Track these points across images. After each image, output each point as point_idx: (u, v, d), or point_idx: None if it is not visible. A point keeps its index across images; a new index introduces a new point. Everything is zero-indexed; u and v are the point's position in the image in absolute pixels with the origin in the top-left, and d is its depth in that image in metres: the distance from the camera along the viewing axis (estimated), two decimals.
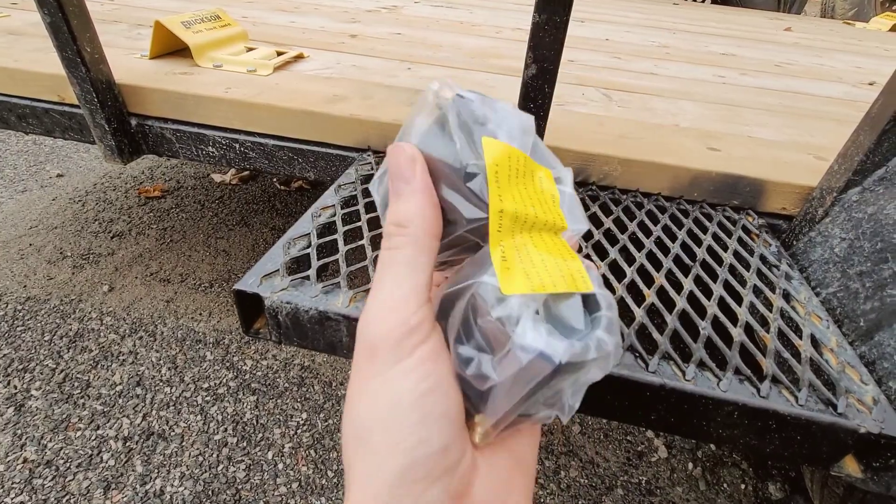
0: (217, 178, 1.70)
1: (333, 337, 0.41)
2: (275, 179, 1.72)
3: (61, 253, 1.28)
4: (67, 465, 0.82)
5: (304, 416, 0.94)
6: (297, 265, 0.44)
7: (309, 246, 0.46)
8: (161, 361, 1.02)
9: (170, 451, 0.85)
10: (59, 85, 0.70)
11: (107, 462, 0.83)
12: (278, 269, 0.42)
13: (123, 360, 1.01)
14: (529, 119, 0.23)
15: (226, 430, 0.90)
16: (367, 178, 0.59)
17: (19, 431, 0.86)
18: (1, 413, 0.89)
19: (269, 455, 0.87)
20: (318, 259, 0.44)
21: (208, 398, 0.96)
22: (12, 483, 0.78)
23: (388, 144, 0.66)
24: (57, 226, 1.39)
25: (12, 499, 0.77)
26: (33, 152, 1.77)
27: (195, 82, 0.71)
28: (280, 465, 0.85)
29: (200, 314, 1.14)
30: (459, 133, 0.21)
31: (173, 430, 0.89)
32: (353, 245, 0.47)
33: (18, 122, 0.74)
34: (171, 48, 0.80)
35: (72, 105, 0.71)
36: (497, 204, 0.20)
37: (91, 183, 1.61)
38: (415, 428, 0.19)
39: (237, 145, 0.69)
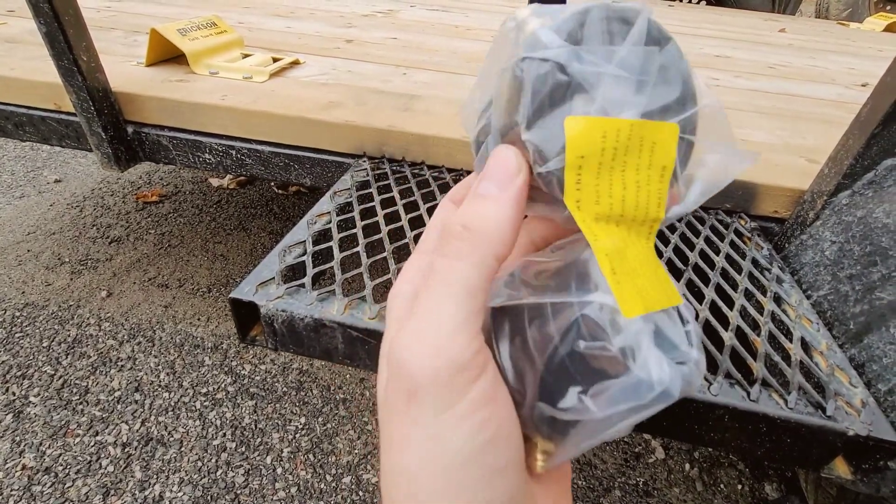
0: (215, 182, 1.71)
1: (329, 344, 0.41)
2: (272, 183, 1.73)
3: (59, 259, 1.28)
4: (66, 471, 0.82)
5: (303, 420, 0.94)
6: (293, 273, 0.44)
7: (304, 253, 0.46)
8: (159, 367, 1.02)
9: (168, 457, 0.86)
10: (56, 93, 0.70)
11: (106, 468, 0.83)
12: (274, 277, 0.42)
13: (122, 365, 1.02)
14: (656, 39, 0.16)
15: (224, 434, 0.90)
16: (363, 185, 0.59)
17: (18, 438, 0.86)
18: (0, 420, 0.89)
19: (268, 460, 0.87)
20: (314, 266, 0.44)
21: (207, 403, 0.96)
22: (11, 490, 0.79)
23: (382, 150, 0.67)
24: (55, 231, 1.39)
25: None
26: (31, 158, 1.77)
27: (191, 90, 0.71)
28: (279, 470, 0.86)
29: (199, 319, 1.14)
30: (530, 105, 0.15)
31: (172, 436, 0.89)
32: (348, 252, 0.47)
33: (15, 130, 0.74)
34: (167, 55, 0.81)
35: (68, 113, 0.71)
36: (592, 208, 0.16)
37: (89, 188, 1.62)
38: (478, 488, 0.16)
39: (234, 152, 0.69)
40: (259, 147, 0.68)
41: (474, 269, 0.17)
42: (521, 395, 0.18)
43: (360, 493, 0.83)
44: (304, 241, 0.48)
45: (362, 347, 0.41)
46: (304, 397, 0.99)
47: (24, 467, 0.82)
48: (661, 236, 0.56)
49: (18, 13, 1.07)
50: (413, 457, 0.16)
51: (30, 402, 0.93)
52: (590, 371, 0.16)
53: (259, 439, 0.90)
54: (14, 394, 0.94)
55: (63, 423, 0.90)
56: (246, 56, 0.85)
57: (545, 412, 0.17)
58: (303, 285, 0.42)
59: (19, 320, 1.10)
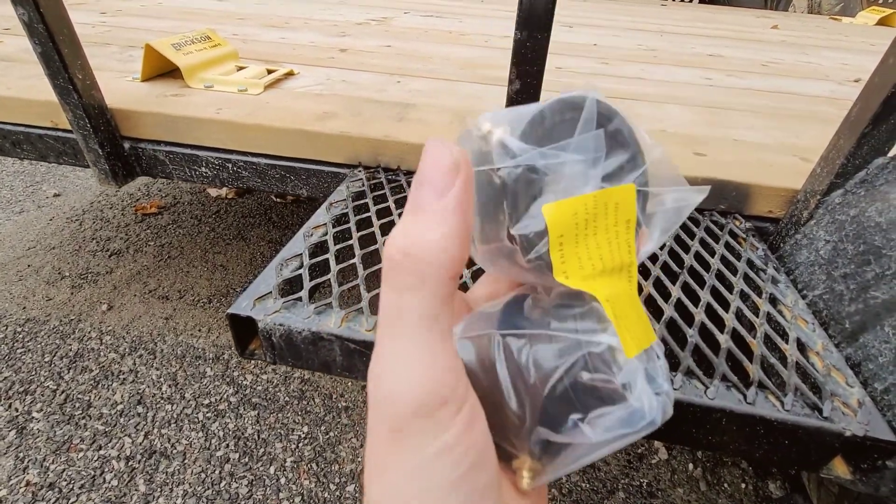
0: (213, 192, 1.71)
1: (327, 356, 0.41)
2: (270, 192, 1.73)
3: (60, 273, 1.29)
4: (70, 486, 0.82)
5: (306, 429, 0.95)
6: (290, 286, 0.44)
7: (301, 266, 0.46)
8: (161, 379, 1.02)
9: (172, 470, 0.86)
10: (53, 111, 0.71)
11: (110, 482, 0.83)
12: (271, 292, 0.42)
13: (124, 378, 1.02)
14: (601, 126, 0.18)
15: (227, 445, 0.91)
16: (358, 195, 0.60)
17: (21, 454, 0.86)
18: (3, 436, 0.89)
19: (272, 470, 0.87)
20: (311, 279, 0.45)
21: (209, 414, 0.96)
22: None
23: (378, 160, 0.67)
24: (55, 246, 1.39)
25: None
26: (30, 172, 1.78)
27: (187, 104, 0.72)
28: (282, 480, 0.86)
29: (200, 330, 1.15)
30: (510, 205, 0.18)
31: (175, 448, 0.89)
32: (344, 264, 0.47)
33: (13, 149, 0.74)
34: (162, 70, 0.81)
35: (65, 130, 0.72)
36: (578, 274, 0.18)
37: (88, 202, 1.62)
38: None
39: (230, 165, 0.70)
40: (255, 159, 0.69)
41: (426, 298, 0.16)
42: (519, 419, 0.19)
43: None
44: (301, 253, 0.48)
45: (360, 359, 0.41)
46: (306, 406, 0.99)
47: (28, 483, 0.82)
48: None
49: (14, 31, 1.08)
50: (399, 487, 0.16)
51: (33, 417, 0.93)
52: (588, 400, 0.18)
53: (262, 450, 0.90)
54: (17, 410, 0.94)
55: (66, 437, 0.90)
56: (241, 68, 0.86)
57: (542, 435, 0.19)
58: (300, 299, 0.42)
59: (21, 336, 1.10)
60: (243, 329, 0.42)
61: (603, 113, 0.18)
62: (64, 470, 0.85)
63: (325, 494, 0.84)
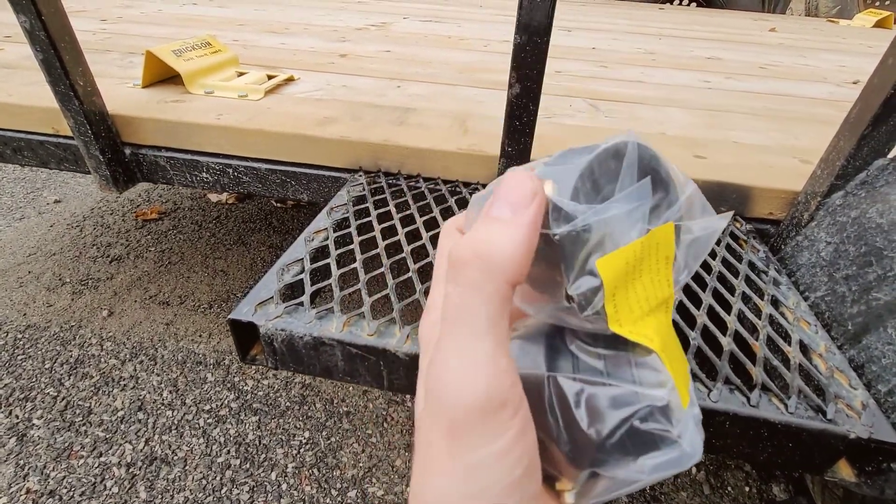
0: (213, 197, 1.71)
1: (329, 361, 0.41)
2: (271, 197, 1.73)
3: (60, 279, 1.29)
4: (71, 493, 0.82)
5: (307, 434, 0.94)
6: (291, 291, 0.44)
7: (302, 271, 0.46)
8: (162, 385, 1.02)
9: (173, 476, 0.85)
10: (54, 118, 0.71)
11: (110, 489, 0.83)
12: (272, 297, 0.42)
13: (124, 384, 1.02)
14: (644, 174, 0.19)
15: (228, 452, 0.90)
16: (359, 200, 0.60)
17: (22, 462, 0.86)
18: (3, 443, 0.89)
19: (273, 476, 0.87)
20: (312, 284, 0.45)
21: (210, 420, 0.96)
22: None
23: (378, 164, 0.68)
24: (55, 252, 1.39)
25: None
26: (30, 179, 1.79)
27: (187, 110, 0.72)
28: (284, 486, 0.85)
29: (200, 336, 1.15)
30: (567, 266, 0.19)
31: (176, 455, 0.89)
32: (345, 269, 0.47)
33: (14, 155, 0.75)
34: (163, 76, 0.81)
35: (66, 137, 0.72)
36: (629, 319, 0.19)
37: (88, 208, 1.62)
38: None
39: (230, 170, 0.70)
40: (256, 165, 0.69)
41: (491, 299, 0.17)
42: (567, 457, 0.20)
43: None
44: (302, 258, 0.48)
45: (362, 364, 0.41)
46: (307, 411, 0.99)
47: (28, 491, 0.82)
48: None
49: (15, 39, 1.08)
50: (454, 486, 0.17)
51: (33, 424, 0.93)
52: (641, 445, 0.19)
53: (263, 455, 0.90)
54: (17, 417, 0.94)
55: (67, 444, 0.90)
56: (241, 74, 0.86)
57: (599, 472, 0.20)
58: (301, 304, 0.42)
59: (21, 342, 1.10)
60: (245, 334, 0.42)
61: (643, 157, 0.19)
62: (64, 477, 0.85)
63: (327, 500, 0.84)
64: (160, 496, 0.82)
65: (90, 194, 1.70)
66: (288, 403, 1.00)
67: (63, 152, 0.73)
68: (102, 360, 1.07)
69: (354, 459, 0.90)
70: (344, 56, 1.10)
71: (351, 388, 1.04)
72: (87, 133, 0.65)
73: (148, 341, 1.12)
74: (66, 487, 0.83)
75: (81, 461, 0.87)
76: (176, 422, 0.95)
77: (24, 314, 1.17)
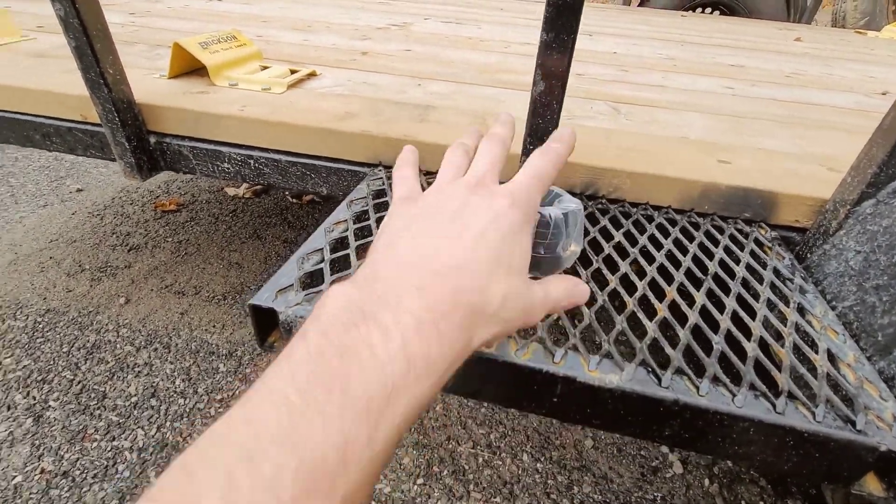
0: (231, 191, 1.73)
1: None
2: (287, 193, 1.75)
3: (80, 266, 1.31)
4: (83, 475, 0.83)
5: None
6: (311, 280, 0.44)
7: (322, 261, 0.46)
8: (175, 373, 1.03)
9: None
10: (83, 105, 0.72)
11: (122, 473, 0.84)
12: (293, 284, 0.43)
13: (139, 371, 1.03)
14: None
15: None
16: (379, 193, 0.60)
17: (38, 442, 0.88)
18: (20, 424, 0.91)
19: None
20: (332, 273, 0.45)
21: (221, 410, 0.96)
22: (30, 494, 0.80)
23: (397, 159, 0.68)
24: (76, 239, 1.42)
25: None
26: (54, 168, 1.83)
27: (212, 101, 0.73)
28: None
29: (214, 326, 1.16)
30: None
31: (187, 442, 0.90)
32: (364, 260, 0.47)
33: (43, 141, 0.76)
34: (188, 68, 0.83)
35: (94, 124, 0.73)
36: None
37: (109, 197, 1.65)
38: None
39: (252, 161, 0.71)
40: (277, 156, 0.70)
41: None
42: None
43: None
44: (322, 248, 0.48)
45: None
46: None
47: (42, 471, 0.83)
48: (679, 246, 0.55)
49: (46, 28, 1.11)
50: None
51: (49, 406, 0.95)
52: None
53: None
54: (35, 398, 0.96)
55: (81, 427, 0.91)
56: (264, 68, 0.87)
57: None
58: (321, 292, 0.42)
59: (41, 326, 1.12)
60: (264, 321, 0.42)
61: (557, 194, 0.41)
62: (78, 459, 0.86)
63: None
64: None
65: (111, 184, 1.74)
66: None
67: (90, 139, 0.74)
68: (118, 346, 1.08)
69: None
70: (365, 54, 1.10)
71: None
72: (114, 120, 0.67)
73: (163, 330, 1.13)
74: (79, 469, 0.84)
75: (95, 444, 0.88)
76: (187, 410, 0.96)
77: (45, 298, 1.19)
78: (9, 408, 0.94)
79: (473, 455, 0.91)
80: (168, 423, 0.93)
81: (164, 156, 0.74)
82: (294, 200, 1.71)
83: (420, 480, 0.86)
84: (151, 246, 1.42)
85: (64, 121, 0.75)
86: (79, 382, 1.00)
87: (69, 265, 1.31)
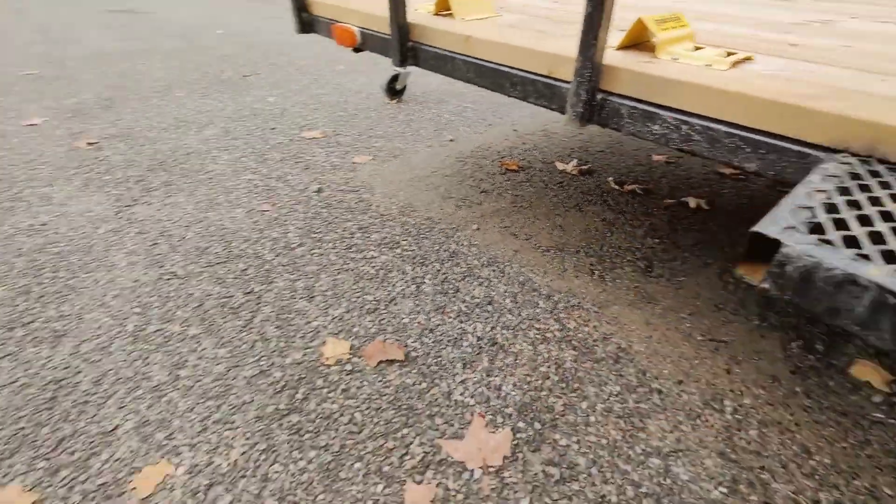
0: (560, 166, 1.93)
1: (844, 304, 0.41)
2: (610, 178, 1.83)
3: (449, 194, 1.71)
4: (441, 339, 1.11)
5: (618, 388, 0.99)
6: (813, 229, 0.46)
7: (814, 217, 0.47)
8: (506, 294, 1.25)
9: (507, 362, 1.05)
10: (550, 62, 0.92)
11: (464, 348, 1.08)
12: (795, 227, 0.45)
13: (481, 282, 1.29)
14: None
15: (549, 367, 1.04)
16: (855, 176, 0.56)
17: (419, 303, 1.21)
18: (406, 286, 1.27)
19: (584, 405, 0.96)
20: (836, 230, 0.45)
21: (538, 336, 1.12)
22: (409, 329, 1.11)
23: (874, 148, 0.62)
24: (448, 174, 1.85)
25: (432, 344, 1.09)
26: (436, 121, 2.40)
27: (659, 69, 0.82)
28: (591, 419, 0.93)
29: (537, 270, 1.34)
30: None
31: (511, 348, 1.09)
32: (869, 228, 0.46)
33: (509, 88, 1.01)
34: (635, 41, 0.94)
35: (555, 79, 0.92)
36: None
37: (469, 150, 2.08)
38: None
39: (684, 127, 0.76)
40: (714, 125, 0.73)
41: None
42: None
43: (668, 481, 0.83)
44: (812, 207, 0.49)
45: (886, 318, 0.40)
46: (620, 370, 1.04)
47: (419, 324, 1.15)
48: None
49: (506, 9, 1.44)
50: None
51: (424, 282, 1.29)
52: None
53: (577, 385, 1.00)
54: (417, 273, 1.32)
55: (442, 304, 1.21)
56: (697, 48, 0.91)
57: None
58: (829, 242, 0.43)
59: (423, 227, 1.52)
60: (757, 251, 0.46)
61: None
62: (438, 325, 1.15)
63: (629, 453, 0.87)
64: (497, 371, 1.03)
65: (472, 140, 2.17)
66: (603, 355, 1.07)
67: (545, 90, 0.94)
68: (469, 258, 1.38)
69: (662, 434, 0.91)
70: (794, 45, 1.03)
71: (665, 371, 1.03)
72: (583, 76, 0.82)
73: (500, 257, 1.38)
74: (439, 333, 1.13)
75: (449, 320, 1.16)
76: (513, 325, 1.15)
77: (427, 209, 1.61)
78: (402, 273, 1.32)
79: None
80: (499, 329, 1.14)
81: (600, 112, 0.87)
82: (615, 187, 1.78)
83: None
84: (496, 193, 1.72)
85: (531, 73, 0.97)
86: (443, 274, 1.32)
87: (443, 191, 1.73)
